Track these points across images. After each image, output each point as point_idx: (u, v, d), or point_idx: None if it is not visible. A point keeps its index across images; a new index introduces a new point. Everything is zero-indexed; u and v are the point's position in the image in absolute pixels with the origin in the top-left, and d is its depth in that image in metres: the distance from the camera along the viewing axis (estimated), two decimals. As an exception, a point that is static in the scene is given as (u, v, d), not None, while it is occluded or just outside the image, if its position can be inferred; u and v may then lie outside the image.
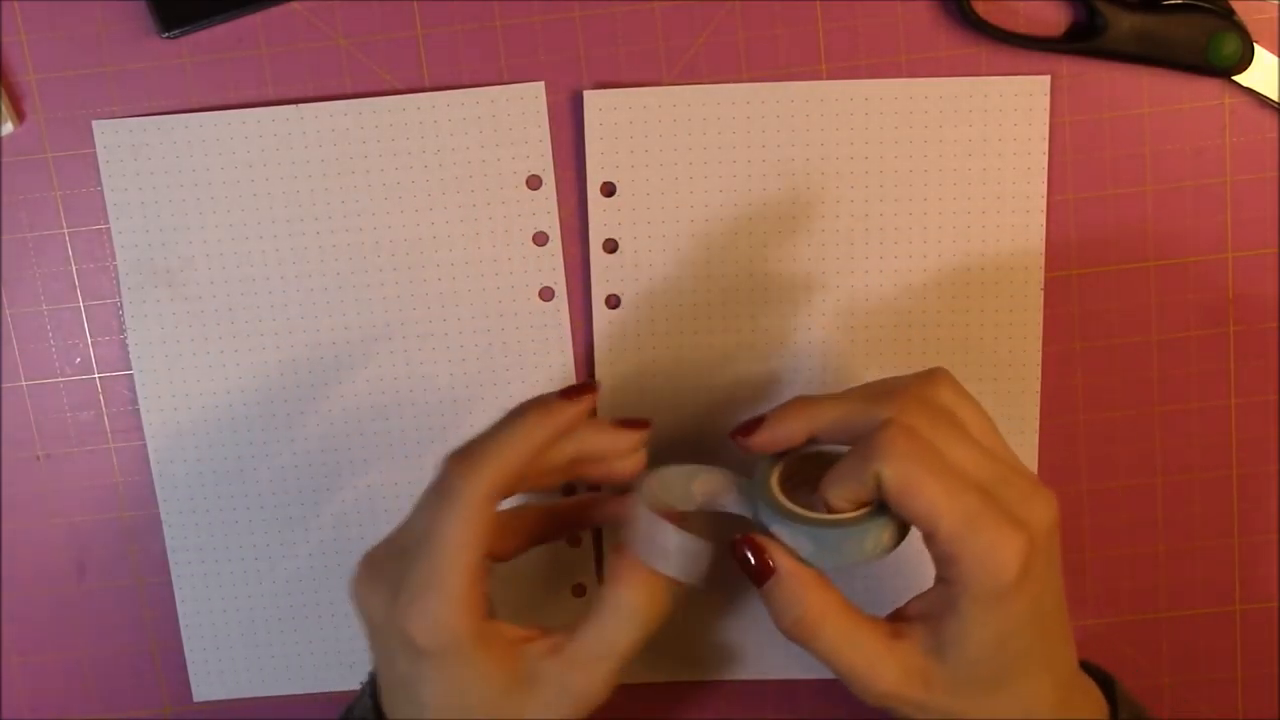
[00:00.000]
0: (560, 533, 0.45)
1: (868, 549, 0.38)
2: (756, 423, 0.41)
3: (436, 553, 0.38)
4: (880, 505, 0.38)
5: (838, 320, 0.49)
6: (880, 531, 0.38)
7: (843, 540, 0.38)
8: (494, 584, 0.52)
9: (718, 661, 0.52)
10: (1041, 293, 0.49)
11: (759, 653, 0.52)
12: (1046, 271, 0.49)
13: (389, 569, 0.39)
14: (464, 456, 0.39)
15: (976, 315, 0.49)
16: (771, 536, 0.39)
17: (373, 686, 0.42)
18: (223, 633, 0.51)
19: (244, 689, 0.52)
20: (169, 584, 0.51)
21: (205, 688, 0.52)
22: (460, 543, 0.38)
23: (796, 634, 0.39)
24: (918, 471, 0.36)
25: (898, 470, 0.36)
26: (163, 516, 0.51)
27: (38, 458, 0.51)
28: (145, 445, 0.50)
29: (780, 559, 0.38)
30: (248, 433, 0.50)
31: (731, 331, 0.49)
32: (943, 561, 0.37)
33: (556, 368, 0.49)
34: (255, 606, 0.51)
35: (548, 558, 0.51)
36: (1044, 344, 0.49)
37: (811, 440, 0.40)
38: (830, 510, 0.38)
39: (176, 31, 0.47)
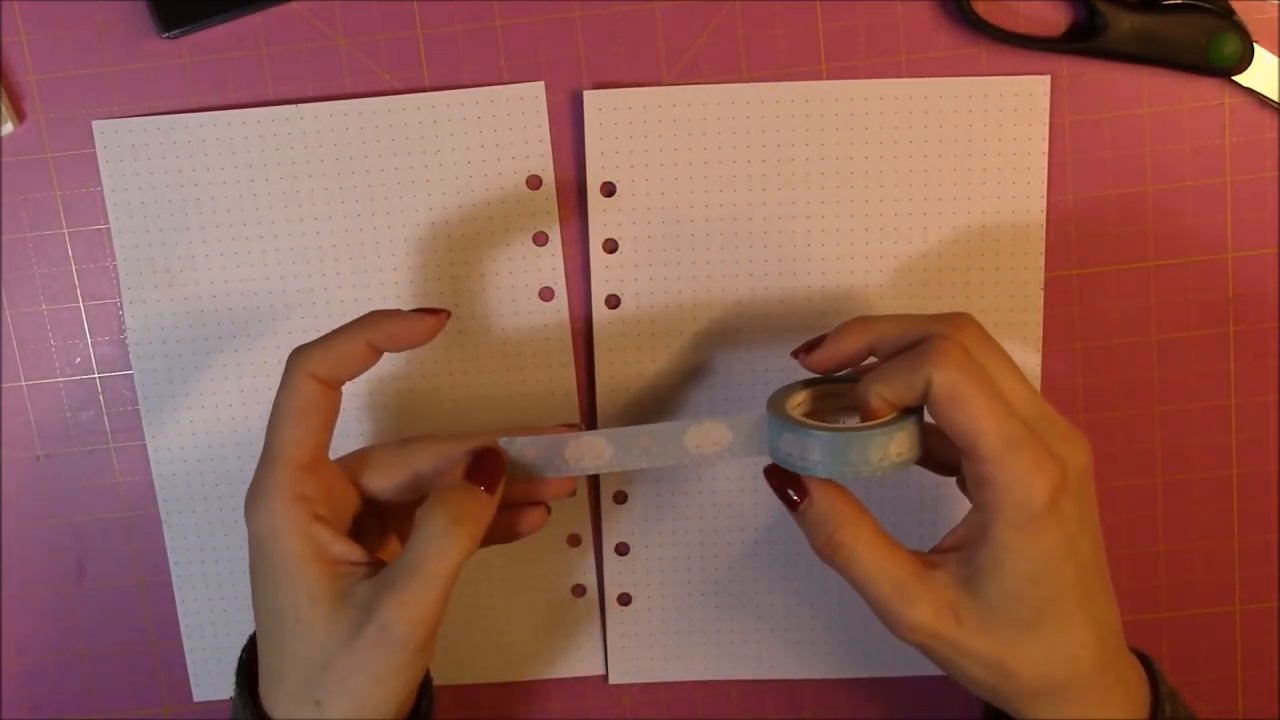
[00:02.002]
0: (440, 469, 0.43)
1: (872, 459, 0.38)
2: (818, 341, 0.41)
3: (269, 432, 0.40)
4: (894, 421, 0.38)
5: (838, 320, 0.49)
6: (887, 443, 0.38)
7: (848, 446, 0.37)
8: (492, 585, 0.52)
9: (719, 661, 0.52)
10: (1041, 293, 0.49)
11: (759, 653, 0.52)
12: (1046, 271, 0.49)
13: None
14: (300, 346, 0.40)
15: (976, 315, 0.49)
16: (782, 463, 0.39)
17: None
18: (223, 633, 0.51)
19: (244, 689, 0.52)
20: (169, 584, 0.51)
21: (205, 688, 0.52)
22: (285, 416, 0.39)
23: (829, 554, 0.39)
24: (969, 385, 0.36)
25: (950, 379, 0.36)
26: (163, 516, 0.51)
27: (38, 458, 0.51)
28: (145, 445, 0.50)
29: (812, 481, 0.39)
30: (247, 433, 0.50)
31: (731, 332, 0.49)
32: (976, 483, 0.37)
33: (556, 368, 0.49)
34: (255, 606, 0.51)
35: (547, 557, 0.51)
36: (1044, 344, 0.49)
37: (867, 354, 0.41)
38: (864, 410, 0.39)
39: (176, 31, 0.47)
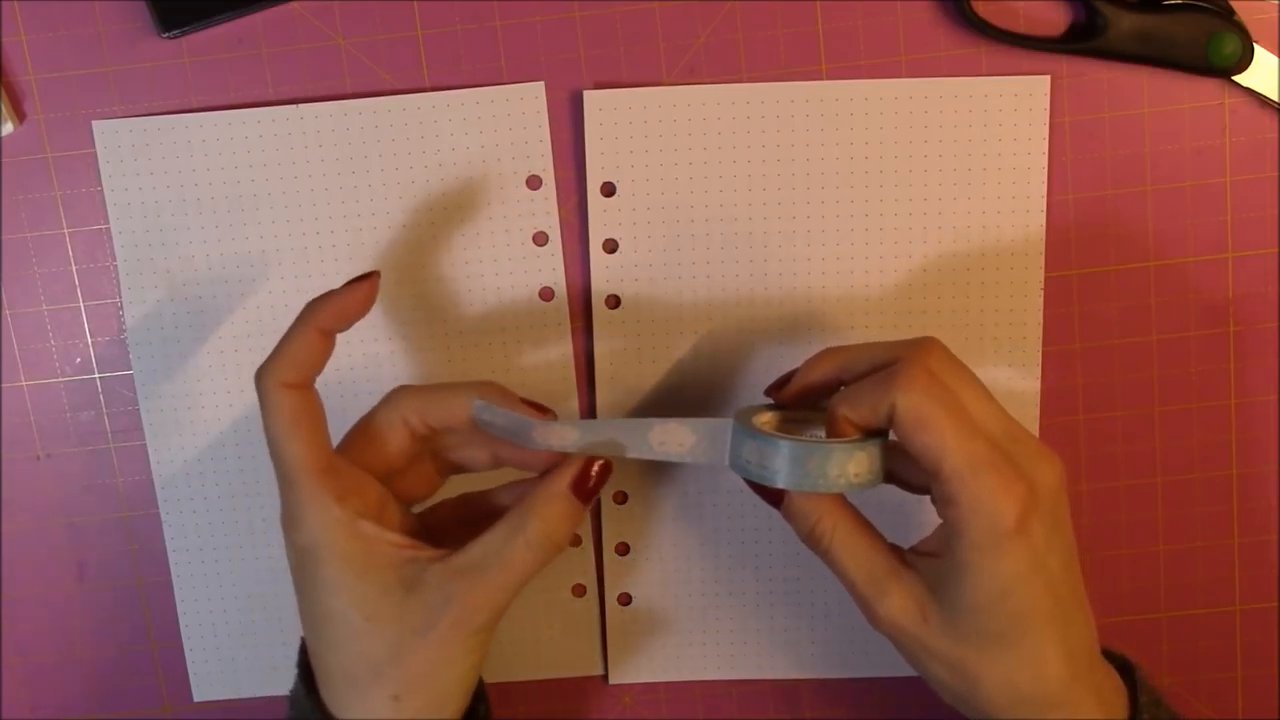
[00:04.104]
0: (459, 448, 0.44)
1: (830, 474, 0.38)
2: (788, 376, 0.42)
3: (275, 455, 0.40)
4: (857, 441, 0.38)
5: (838, 320, 0.49)
6: (846, 461, 0.38)
7: (808, 458, 0.38)
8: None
9: (719, 661, 0.52)
10: (1041, 293, 0.49)
11: (759, 653, 0.52)
12: (1046, 271, 0.49)
13: None
14: (261, 365, 0.40)
15: (976, 315, 0.49)
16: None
17: None
18: (223, 633, 0.51)
19: (244, 689, 0.52)
20: (169, 584, 0.51)
21: (205, 688, 0.52)
22: (281, 433, 0.39)
23: (812, 544, 0.40)
24: (933, 407, 0.37)
25: (913, 402, 0.37)
26: (163, 516, 0.51)
27: (38, 458, 0.51)
28: (145, 445, 0.50)
29: None
30: (248, 432, 0.50)
31: (731, 332, 0.49)
32: (943, 503, 0.38)
33: (556, 368, 0.49)
34: (255, 606, 0.51)
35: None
36: (1044, 344, 0.49)
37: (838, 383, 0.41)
38: (831, 429, 0.39)
39: (176, 31, 0.47)
